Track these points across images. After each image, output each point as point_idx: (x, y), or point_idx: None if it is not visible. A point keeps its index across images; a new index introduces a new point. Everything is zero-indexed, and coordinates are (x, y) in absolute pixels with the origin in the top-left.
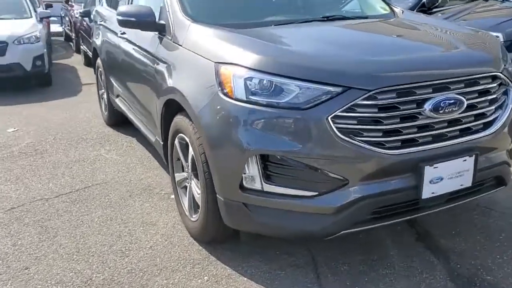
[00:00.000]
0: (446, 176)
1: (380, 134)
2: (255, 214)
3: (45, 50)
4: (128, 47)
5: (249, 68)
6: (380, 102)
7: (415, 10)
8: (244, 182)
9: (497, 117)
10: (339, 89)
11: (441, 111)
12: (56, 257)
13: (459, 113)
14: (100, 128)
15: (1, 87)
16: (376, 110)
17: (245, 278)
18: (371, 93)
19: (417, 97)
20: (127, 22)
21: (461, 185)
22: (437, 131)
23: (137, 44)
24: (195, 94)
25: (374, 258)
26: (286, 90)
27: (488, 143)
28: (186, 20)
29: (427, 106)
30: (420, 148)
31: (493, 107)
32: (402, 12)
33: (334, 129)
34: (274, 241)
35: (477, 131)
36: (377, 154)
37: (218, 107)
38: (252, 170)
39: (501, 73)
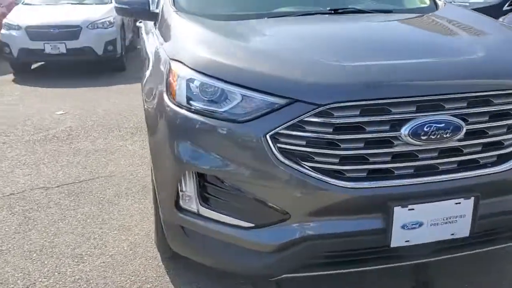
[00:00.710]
0: (428, 222)
1: (337, 160)
2: (192, 241)
3: (118, 35)
4: (141, 38)
5: (192, 69)
6: (337, 121)
7: (506, 5)
8: (181, 201)
9: None
10: (283, 102)
11: (424, 137)
12: (17, 254)
13: (458, 141)
14: (141, 118)
15: (75, 70)
16: (331, 130)
17: None
18: (322, 108)
19: (392, 116)
20: (121, 9)
21: (452, 234)
22: (422, 162)
23: (142, 34)
24: (149, 94)
25: None
26: (230, 98)
27: (503, 181)
28: (171, 9)
29: (404, 130)
30: (393, 182)
31: None
32: (445, 4)
33: (273, 149)
34: None
35: (485, 166)
36: (329, 185)
37: (160, 110)
38: (189, 188)
39: None
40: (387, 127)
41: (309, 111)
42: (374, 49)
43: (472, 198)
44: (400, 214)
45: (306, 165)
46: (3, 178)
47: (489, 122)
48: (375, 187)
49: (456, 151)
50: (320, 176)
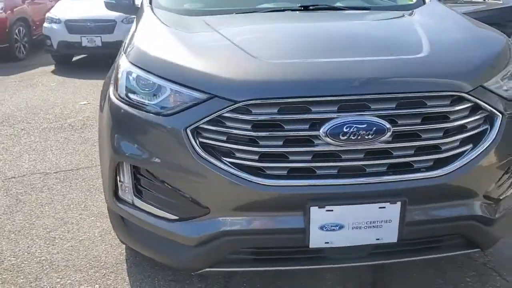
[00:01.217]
0: (350, 225)
1: (256, 157)
2: (130, 231)
3: None
4: None
5: (131, 62)
6: (256, 118)
7: None
8: (120, 192)
9: (462, 153)
10: (204, 97)
11: (343, 138)
12: None
13: (387, 143)
14: None
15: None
16: (249, 126)
17: None
18: (238, 104)
19: (312, 115)
20: (109, 4)
21: (378, 239)
22: (347, 163)
23: None
24: (104, 86)
25: None
26: (162, 92)
27: (438, 187)
28: (145, 3)
29: (323, 129)
30: (312, 182)
31: (454, 139)
32: (430, 1)
33: (194, 143)
34: None
35: (418, 170)
36: (248, 182)
37: (105, 101)
38: (126, 179)
39: (468, 93)
40: (306, 126)
41: (226, 107)
42: (308, 47)
43: (399, 203)
44: (317, 215)
45: (227, 161)
46: (10, 162)
47: (422, 124)
48: (294, 185)
49: (385, 153)
50: (239, 173)
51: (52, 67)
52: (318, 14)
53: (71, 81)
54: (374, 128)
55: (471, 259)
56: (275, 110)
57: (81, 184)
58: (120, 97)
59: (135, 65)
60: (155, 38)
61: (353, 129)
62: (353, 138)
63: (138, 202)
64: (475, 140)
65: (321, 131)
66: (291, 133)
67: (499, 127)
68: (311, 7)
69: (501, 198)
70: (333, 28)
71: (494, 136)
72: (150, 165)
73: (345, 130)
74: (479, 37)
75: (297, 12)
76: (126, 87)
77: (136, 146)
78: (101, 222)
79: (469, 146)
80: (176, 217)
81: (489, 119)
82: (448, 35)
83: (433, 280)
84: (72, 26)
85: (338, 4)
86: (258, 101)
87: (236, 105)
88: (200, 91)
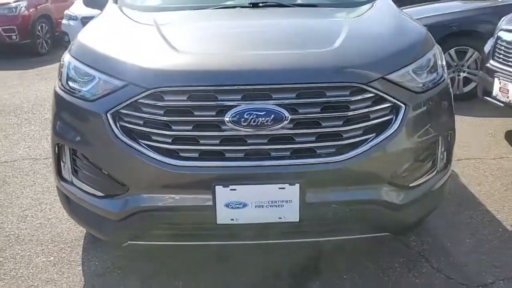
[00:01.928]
0: (253, 203)
1: (170, 140)
2: (72, 207)
3: None
4: None
5: (71, 55)
6: (168, 104)
7: None
8: (62, 171)
9: (363, 141)
10: (121, 84)
11: (244, 124)
12: None
13: (290, 129)
14: None
15: None
16: (162, 112)
17: (76, 270)
18: (150, 91)
19: (218, 103)
20: (86, 0)
21: (280, 218)
22: (252, 147)
23: None
24: None
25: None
26: (92, 80)
27: (340, 172)
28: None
29: (228, 116)
30: (219, 164)
31: (354, 127)
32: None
33: (113, 127)
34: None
35: (319, 155)
36: (160, 163)
37: (53, 93)
38: (67, 160)
39: (367, 84)
40: (213, 113)
41: (140, 94)
42: (229, 41)
43: (298, 185)
44: (222, 193)
45: (144, 143)
46: (7, 148)
47: (321, 113)
48: (203, 166)
49: (288, 139)
50: (154, 154)
51: None
52: (262, 11)
53: None
54: (273, 115)
55: (408, 247)
56: (185, 97)
57: None
58: (62, 85)
59: (74, 57)
60: (97, 32)
61: (253, 116)
62: (253, 124)
63: (76, 181)
64: (380, 129)
65: (226, 117)
66: (200, 119)
67: (402, 118)
68: (260, 4)
69: (410, 185)
70: (262, 24)
71: (397, 126)
72: (80, 146)
73: (245, 117)
74: (396, 31)
75: (248, 9)
76: (67, 76)
77: (70, 129)
78: None
79: (373, 135)
80: (102, 194)
81: (395, 109)
82: (369, 30)
83: (364, 264)
84: (87, 22)
85: (287, 2)
86: (169, 89)
87: (148, 92)
88: (119, 79)
